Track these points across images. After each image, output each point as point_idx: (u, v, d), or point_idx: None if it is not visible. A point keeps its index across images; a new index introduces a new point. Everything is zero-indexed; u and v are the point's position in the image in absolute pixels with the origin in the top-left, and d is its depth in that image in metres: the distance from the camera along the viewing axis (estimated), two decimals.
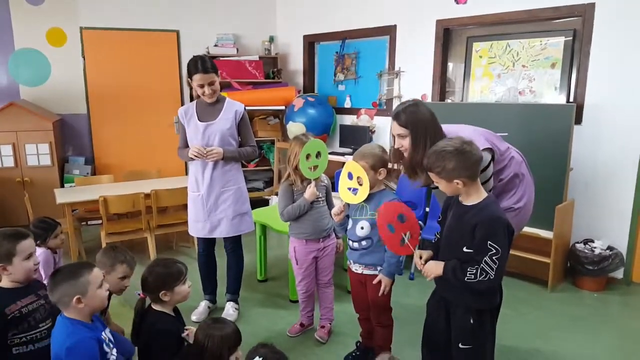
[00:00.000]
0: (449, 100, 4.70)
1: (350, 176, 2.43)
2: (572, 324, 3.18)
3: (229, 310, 3.23)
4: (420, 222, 4.00)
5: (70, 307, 1.88)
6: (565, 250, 3.77)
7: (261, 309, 3.37)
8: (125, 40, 5.54)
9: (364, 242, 2.47)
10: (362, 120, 5.29)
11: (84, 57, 5.40)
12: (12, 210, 4.91)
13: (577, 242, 3.75)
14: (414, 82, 4.84)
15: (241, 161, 3.16)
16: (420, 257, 2.10)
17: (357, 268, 2.55)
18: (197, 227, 3.13)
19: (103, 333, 2.01)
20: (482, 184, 2.34)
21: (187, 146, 3.04)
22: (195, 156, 2.91)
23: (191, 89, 3.03)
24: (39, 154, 4.99)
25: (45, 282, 2.86)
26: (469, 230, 1.91)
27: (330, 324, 3.02)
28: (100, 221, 4.37)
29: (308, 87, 5.85)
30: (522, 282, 3.80)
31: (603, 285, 3.65)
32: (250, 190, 5.81)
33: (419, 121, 2.29)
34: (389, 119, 5.01)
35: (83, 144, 5.55)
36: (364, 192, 2.38)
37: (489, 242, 1.84)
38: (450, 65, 4.70)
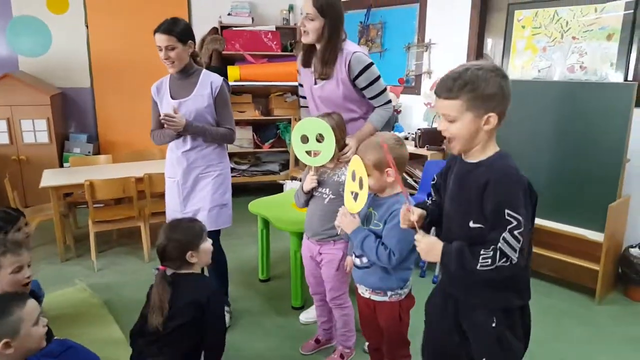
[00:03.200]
0: None
1: (353, 176, 1.93)
2: (625, 345, 2.71)
3: None
4: None
5: None
6: (617, 255, 3.27)
7: (258, 318, 2.97)
8: (132, 8, 5.17)
9: (365, 259, 1.99)
10: None
11: (87, 26, 5.07)
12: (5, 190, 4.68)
13: (632, 246, 3.24)
14: (446, 55, 4.33)
15: (217, 142, 2.72)
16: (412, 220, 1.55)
17: (363, 291, 2.07)
18: (174, 218, 2.77)
19: None
20: (371, 85, 2.47)
21: (161, 127, 2.66)
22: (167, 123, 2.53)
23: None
24: (36, 131, 4.74)
25: None
26: (476, 194, 1.40)
27: (348, 350, 2.53)
28: (101, 205, 4.13)
29: None
30: (564, 290, 3.34)
31: None
32: (264, 173, 5.55)
33: (336, 9, 2.39)
34: (417, 97, 4.59)
35: (86, 121, 5.26)
36: (362, 198, 1.88)
37: (506, 210, 1.33)
38: (489, 39, 4.16)
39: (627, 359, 2.60)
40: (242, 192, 4.86)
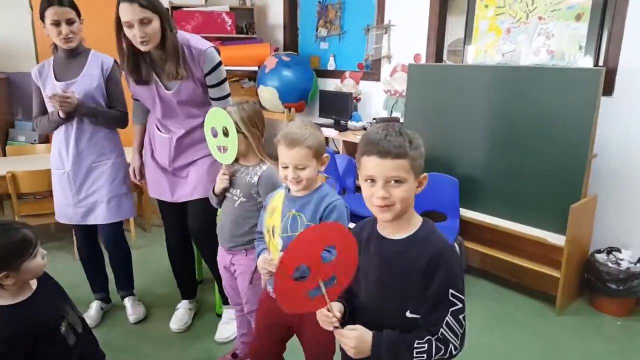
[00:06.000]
0: (448, 63, 3.70)
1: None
2: None
3: (133, 306, 2.64)
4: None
5: None
6: (582, 260, 2.82)
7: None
8: None
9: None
10: (347, 85, 4.33)
11: (31, 7, 4.55)
12: None
13: (598, 252, 2.79)
14: (406, 38, 3.84)
15: (106, 125, 2.41)
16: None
17: None
18: (66, 213, 2.45)
19: None
20: (219, 85, 2.24)
21: (44, 113, 2.36)
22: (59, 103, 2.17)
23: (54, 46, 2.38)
24: None
25: None
26: (417, 280, 1.13)
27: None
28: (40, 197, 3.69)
29: (290, 45, 4.87)
30: (522, 298, 2.90)
31: (629, 308, 2.70)
32: None
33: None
34: (376, 83, 4.09)
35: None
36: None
37: (450, 290, 1.11)
38: (450, 20, 3.66)
39: None
40: None
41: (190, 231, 2.35)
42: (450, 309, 1.11)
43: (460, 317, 1.12)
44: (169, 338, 2.48)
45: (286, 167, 1.55)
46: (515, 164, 2.87)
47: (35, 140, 4.50)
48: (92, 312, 2.57)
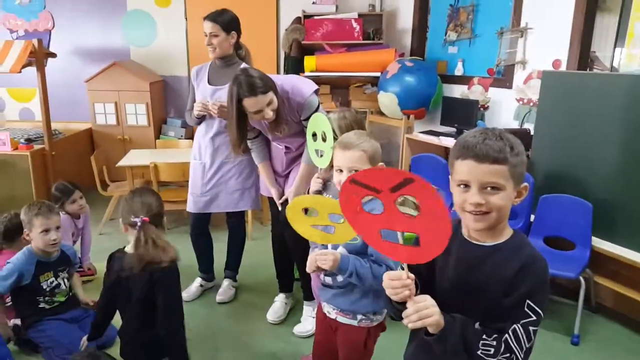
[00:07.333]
0: (595, 70, 3.21)
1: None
2: None
3: (225, 287, 2.90)
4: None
5: None
6: None
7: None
8: (226, 1, 5.05)
9: (340, 277, 1.58)
10: (474, 92, 4.03)
11: (186, 19, 5.09)
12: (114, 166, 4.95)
13: None
14: (545, 42, 3.42)
15: None
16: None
17: (329, 310, 1.69)
18: (191, 201, 2.71)
19: None
20: None
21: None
22: (200, 111, 2.56)
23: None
24: (137, 114, 4.94)
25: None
26: (497, 288, 1.07)
27: None
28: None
29: (417, 50, 4.68)
30: (612, 325, 2.52)
31: None
32: None
33: (270, 79, 2.21)
34: (508, 91, 3.74)
35: (182, 107, 5.30)
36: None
37: (527, 301, 1.04)
38: (598, 22, 3.16)
39: None
40: None
41: (280, 220, 2.46)
42: (522, 320, 1.04)
43: (531, 329, 1.04)
44: (264, 327, 2.61)
45: (341, 172, 1.57)
46: None
47: (182, 136, 5.03)
48: (192, 287, 2.89)
